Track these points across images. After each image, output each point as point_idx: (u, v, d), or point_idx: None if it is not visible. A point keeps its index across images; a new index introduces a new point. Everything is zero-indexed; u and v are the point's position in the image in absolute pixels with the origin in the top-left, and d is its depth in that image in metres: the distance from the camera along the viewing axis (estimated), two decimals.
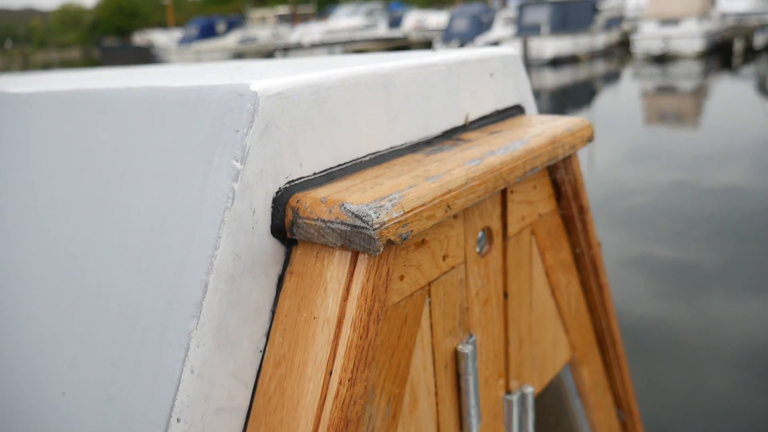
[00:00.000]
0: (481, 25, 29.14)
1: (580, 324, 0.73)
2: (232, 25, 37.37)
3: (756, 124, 12.88)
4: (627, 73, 22.57)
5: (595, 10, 28.18)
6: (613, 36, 29.21)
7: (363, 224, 0.37)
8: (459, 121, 0.56)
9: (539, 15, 25.50)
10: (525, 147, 0.51)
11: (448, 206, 0.42)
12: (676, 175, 9.11)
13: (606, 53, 27.81)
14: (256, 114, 0.40)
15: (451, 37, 28.95)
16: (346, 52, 32.79)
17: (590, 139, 0.62)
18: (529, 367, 0.61)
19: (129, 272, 0.46)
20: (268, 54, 35.47)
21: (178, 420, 0.41)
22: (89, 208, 0.51)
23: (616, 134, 12.88)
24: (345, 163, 0.45)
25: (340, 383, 0.38)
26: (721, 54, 24.06)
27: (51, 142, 0.63)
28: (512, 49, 0.64)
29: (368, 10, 36.28)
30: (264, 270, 0.42)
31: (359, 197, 0.39)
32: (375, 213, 0.38)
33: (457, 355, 0.51)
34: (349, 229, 0.38)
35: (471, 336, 0.51)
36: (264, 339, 0.44)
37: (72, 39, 74.51)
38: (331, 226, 0.39)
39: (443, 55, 0.56)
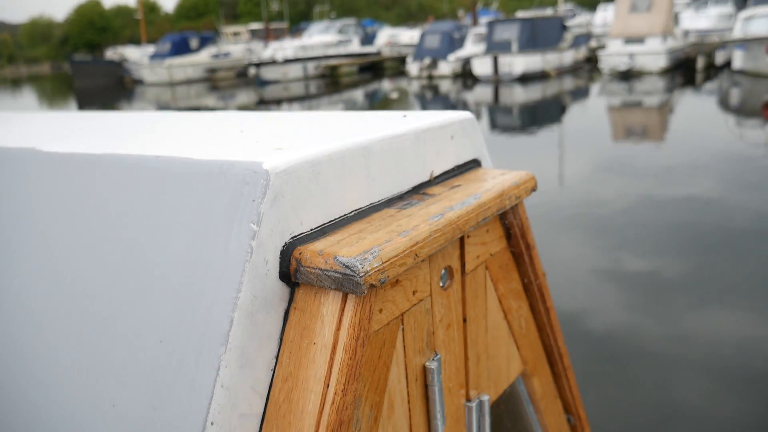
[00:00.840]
0: (452, 42, 29.51)
1: (530, 342, 0.85)
2: (205, 41, 37.11)
3: (718, 137, 13.30)
4: (595, 89, 23.09)
5: (563, 28, 28.78)
6: (581, 53, 29.83)
7: (352, 273, 0.49)
8: (425, 177, 0.68)
9: (509, 32, 25.95)
10: (478, 201, 0.63)
11: (416, 255, 0.54)
12: (643, 188, 9.37)
13: (574, 69, 28.39)
14: (268, 187, 0.52)
15: (423, 53, 29.26)
16: (320, 67, 32.92)
17: (534, 189, 0.75)
18: (485, 379, 0.74)
19: (168, 311, 0.57)
20: (242, 69, 35.39)
21: (212, 423, 0.52)
22: (127, 261, 0.62)
23: (585, 148, 13.19)
24: (334, 219, 0.57)
25: (335, 393, 0.49)
26: (684, 70, 24.75)
27: (81, 201, 0.74)
28: (469, 113, 0.77)
29: (341, 26, 36.45)
30: (274, 307, 0.53)
31: (348, 251, 0.51)
32: (360, 264, 0.50)
33: (425, 370, 0.62)
34: (341, 276, 0.50)
35: (436, 354, 0.62)
36: (274, 360, 0.55)
37: (42, 53, 73.44)
38: (327, 273, 0.51)
39: (412, 124, 0.68)
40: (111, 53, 45.77)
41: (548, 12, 41.22)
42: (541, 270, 0.82)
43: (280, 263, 0.52)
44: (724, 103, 17.96)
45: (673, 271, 6.32)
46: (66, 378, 0.68)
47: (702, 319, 5.29)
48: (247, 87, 31.15)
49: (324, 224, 0.56)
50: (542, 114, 18.48)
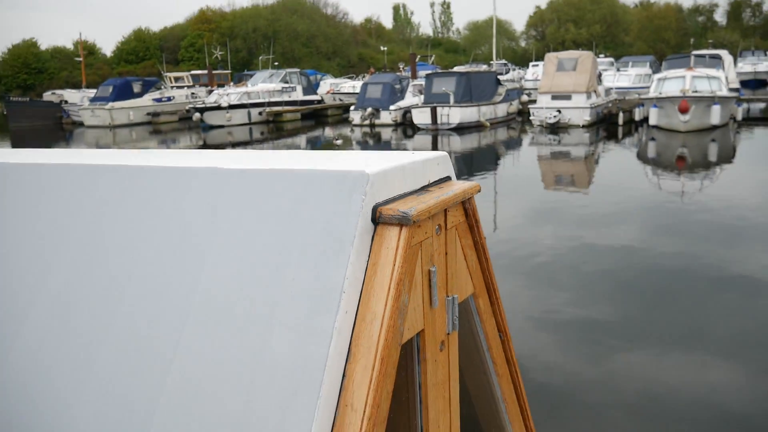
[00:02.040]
0: (393, 93, 30.68)
1: (477, 274, 1.51)
2: (148, 86, 37.01)
3: (639, 187, 14.52)
4: (526, 140, 24.57)
5: (497, 82, 30.48)
6: (514, 106, 31.47)
7: (405, 215, 1.13)
8: (426, 183, 1.33)
9: (446, 85, 27.24)
10: (454, 192, 1.29)
11: (429, 212, 1.18)
12: (571, 234, 10.05)
13: (507, 121, 29.93)
14: (368, 181, 1.15)
15: (365, 103, 30.28)
16: (263, 113, 33.58)
17: (479, 191, 1.42)
18: (455, 289, 1.39)
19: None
20: (185, 113, 35.63)
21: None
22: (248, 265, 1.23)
23: (517, 196, 14.15)
24: (393, 197, 1.20)
25: (399, 274, 1.11)
26: (607, 125, 26.57)
27: (176, 215, 1.31)
28: (445, 153, 1.44)
29: (286, 74, 37.20)
30: (368, 233, 1.16)
31: (402, 207, 1.15)
32: (409, 212, 1.13)
33: (429, 272, 1.26)
34: (401, 216, 1.13)
35: (434, 266, 1.26)
36: (367, 256, 1.16)
37: None
38: (394, 217, 1.14)
39: (419, 156, 1.34)
40: (49, 95, 45.03)
41: (483, 67, 43.31)
42: (483, 236, 1.49)
43: (372, 213, 1.15)
44: (643, 156, 19.52)
45: (599, 313, 6.88)
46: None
47: (624, 358, 5.83)
48: (189, 131, 31.32)
49: (389, 198, 1.19)
50: (478, 162, 19.56)
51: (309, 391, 1.05)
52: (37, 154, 1.68)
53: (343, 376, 1.08)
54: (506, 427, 1.79)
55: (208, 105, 32.53)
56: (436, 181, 1.38)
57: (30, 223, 1.47)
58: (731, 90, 25.05)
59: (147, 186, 1.37)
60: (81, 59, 49.61)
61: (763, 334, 6.20)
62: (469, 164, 18.86)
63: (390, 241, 1.15)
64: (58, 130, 35.96)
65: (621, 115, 26.25)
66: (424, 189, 1.32)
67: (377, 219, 1.16)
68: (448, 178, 1.43)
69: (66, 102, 41.44)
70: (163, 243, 1.28)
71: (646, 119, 24.69)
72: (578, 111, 25.58)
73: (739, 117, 25.33)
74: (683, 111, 22.56)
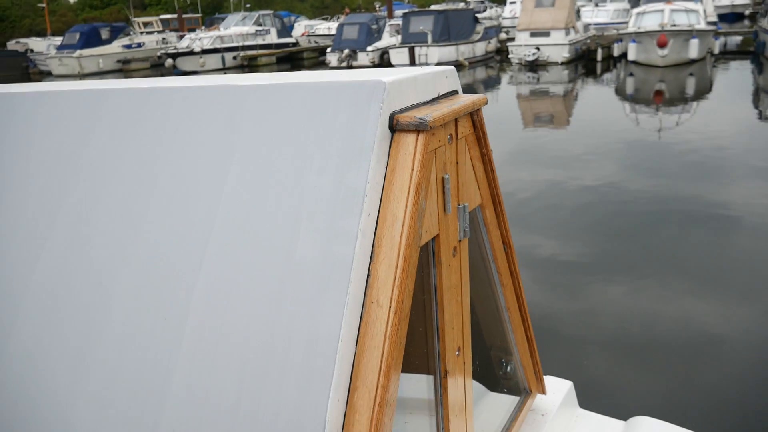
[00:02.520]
0: (370, 33, 30.15)
1: (484, 185, 1.58)
2: (116, 32, 35.86)
3: (617, 123, 14.64)
4: (505, 78, 24.46)
5: (475, 20, 30.05)
6: (492, 44, 31.16)
7: (422, 120, 1.17)
8: (436, 95, 1.37)
9: (424, 24, 26.84)
10: (463, 103, 1.34)
11: (443, 119, 1.23)
12: (550, 173, 10.15)
13: (485, 60, 29.69)
14: (385, 89, 1.18)
15: (341, 44, 29.78)
16: (237, 58, 32.88)
17: (486, 103, 1.46)
18: (465, 198, 1.45)
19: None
20: (157, 59, 34.76)
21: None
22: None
23: (496, 137, 14.21)
24: (408, 105, 1.24)
25: (419, 172, 1.15)
26: (585, 61, 26.50)
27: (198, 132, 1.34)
28: (453, 67, 1.48)
29: (259, 17, 36.28)
30: (386, 139, 1.20)
31: (418, 114, 1.19)
32: (425, 118, 1.17)
33: (443, 180, 1.31)
34: (418, 122, 1.17)
35: (447, 174, 1.32)
36: (387, 156, 1.20)
37: None
38: (411, 123, 1.18)
39: (429, 69, 1.38)
40: (13, 44, 43.48)
41: (461, 5, 42.63)
42: (490, 148, 1.54)
43: (389, 121, 1.19)
44: (621, 92, 19.59)
45: (576, 250, 7.05)
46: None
47: (599, 292, 6.07)
48: (162, 78, 30.65)
49: (404, 107, 1.23)
50: None
51: (337, 289, 1.11)
52: (45, 85, 1.68)
53: (368, 275, 1.14)
54: (509, 335, 1.89)
55: (180, 50, 31.77)
56: (444, 94, 1.42)
57: (45, 149, 1.48)
58: (709, 23, 25.00)
59: (162, 106, 1.38)
60: (44, 5, 47.78)
61: (737, 266, 6.42)
62: None
63: (407, 146, 1.20)
64: (25, 80, 34.91)
65: (599, 51, 26.17)
66: (434, 101, 1.36)
67: (394, 126, 1.20)
68: (455, 92, 1.46)
69: (32, 51, 40.12)
70: (182, 162, 1.31)
71: (624, 55, 24.67)
72: (557, 48, 25.43)
73: (716, 51, 25.39)
74: (661, 45, 22.54)
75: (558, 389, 2.22)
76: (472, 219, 1.56)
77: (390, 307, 1.12)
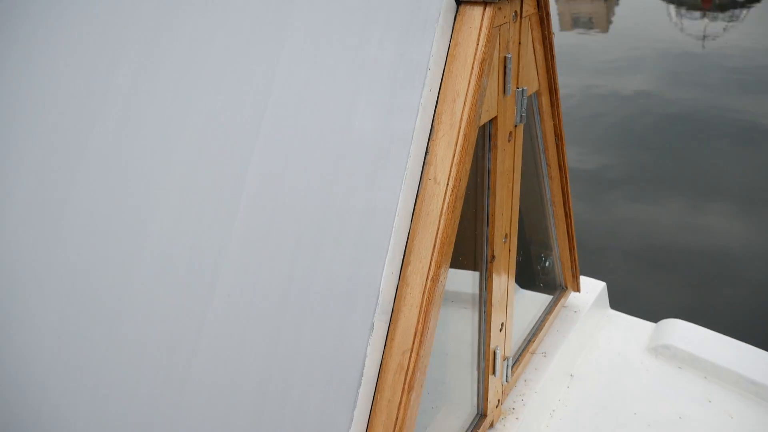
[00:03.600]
0: None
1: (543, 70, 1.51)
2: None
3: (659, 29, 13.99)
4: None
5: None
6: None
7: None
8: None
9: None
10: None
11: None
12: (587, 83, 9.79)
13: None
14: None
15: None
16: None
17: None
18: (523, 82, 1.39)
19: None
20: None
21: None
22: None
23: None
24: None
25: (482, 54, 1.10)
26: None
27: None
28: None
29: None
30: (451, 11, 1.14)
31: None
32: None
33: (505, 59, 1.26)
34: None
35: (509, 54, 1.26)
36: (452, 31, 1.14)
37: None
38: None
39: None
40: None
41: None
42: (552, 32, 1.46)
43: None
44: None
45: (610, 164, 6.83)
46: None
47: (630, 207, 5.97)
48: None
49: None
50: None
51: (395, 164, 1.09)
52: None
53: (426, 151, 1.12)
54: (551, 230, 1.87)
55: None
56: None
57: (92, 19, 1.43)
58: None
59: None
60: None
61: None
62: None
63: (474, 20, 1.13)
64: None
65: None
66: None
67: None
68: None
69: None
70: (238, 32, 1.26)
71: None
72: None
73: None
74: None
75: (591, 289, 2.24)
76: (528, 105, 1.50)
77: (447, 184, 1.10)
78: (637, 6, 17.33)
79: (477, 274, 1.45)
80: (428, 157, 1.12)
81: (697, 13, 15.73)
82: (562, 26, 15.27)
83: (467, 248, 1.44)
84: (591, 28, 15.05)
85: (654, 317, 2.31)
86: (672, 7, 16.74)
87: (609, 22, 15.68)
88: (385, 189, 1.09)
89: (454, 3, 1.14)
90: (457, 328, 1.55)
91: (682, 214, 5.72)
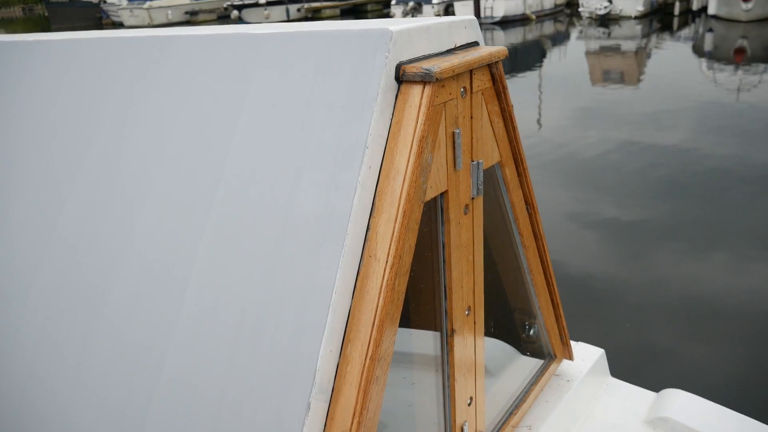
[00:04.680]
0: None
1: (504, 143, 1.52)
2: None
3: (692, 82, 13.87)
4: (574, 34, 23.48)
5: None
6: None
7: (428, 71, 1.12)
8: (452, 45, 1.31)
9: None
10: (479, 55, 1.27)
11: (453, 70, 1.18)
12: (619, 134, 9.66)
13: (554, 14, 28.57)
14: (392, 38, 1.14)
15: None
16: (301, 10, 32.74)
17: (506, 56, 1.39)
18: (480, 155, 1.40)
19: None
20: (223, 11, 35.04)
21: None
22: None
23: (563, 94, 13.69)
24: (416, 57, 1.20)
25: (423, 124, 1.12)
26: (661, 15, 25.10)
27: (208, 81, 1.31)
28: (472, 16, 1.40)
29: None
30: (392, 90, 1.15)
31: (426, 66, 1.14)
32: (432, 68, 1.12)
33: (453, 134, 1.26)
34: (424, 73, 1.13)
35: (458, 128, 1.27)
36: (392, 108, 1.17)
37: None
38: (417, 74, 1.13)
39: (446, 19, 1.32)
40: None
41: None
42: (511, 104, 1.48)
43: (395, 72, 1.15)
44: (699, 49, 18.49)
45: (645, 214, 6.65)
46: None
47: (666, 258, 5.75)
48: (179, 27, 30.86)
49: (413, 58, 1.19)
50: (522, 58, 18.89)
51: (334, 242, 1.10)
52: (66, 34, 1.71)
53: (367, 228, 1.12)
54: (532, 298, 1.84)
55: (246, 2, 31.87)
56: (463, 45, 1.35)
57: (65, 95, 1.51)
58: None
59: (179, 53, 1.38)
60: None
61: None
62: (513, 60, 18.25)
63: (413, 98, 1.16)
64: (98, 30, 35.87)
65: (677, 4, 24.71)
66: (450, 52, 1.30)
67: (401, 77, 1.16)
68: (476, 43, 1.40)
69: (105, 2, 41.13)
70: (196, 110, 1.31)
71: (704, 9, 23.25)
72: (631, 1, 24.17)
73: None
74: None
75: (588, 356, 2.17)
76: (490, 177, 1.50)
77: (387, 261, 1.10)
78: (668, 60, 17.29)
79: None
80: (369, 234, 1.13)
81: (730, 67, 15.60)
82: (592, 81, 15.30)
83: (431, 318, 1.43)
84: (622, 82, 15.04)
85: (696, 386, 2.22)
86: (704, 61, 16.66)
87: (640, 76, 15.66)
88: (324, 267, 1.10)
89: (395, 82, 1.16)
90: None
91: (728, 271, 5.51)
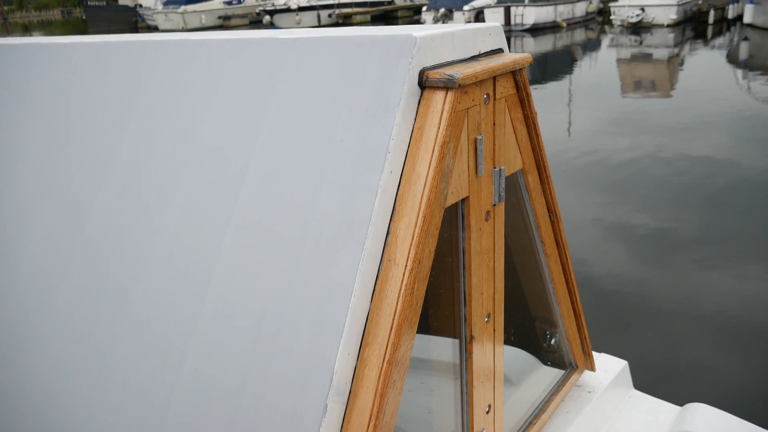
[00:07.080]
0: None
1: (527, 151, 1.51)
2: None
3: (727, 92, 13.61)
4: (605, 42, 23.23)
5: None
6: (593, 5, 29.66)
7: (451, 77, 1.13)
8: (476, 52, 1.32)
9: None
10: (503, 61, 1.28)
11: (476, 77, 1.18)
12: (652, 145, 9.49)
13: (585, 21, 28.30)
14: (416, 44, 1.15)
15: (438, 3, 29.23)
16: (332, 15, 32.96)
17: (530, 63, 1.39)
18: (502, 161, 1.40)
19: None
20: (256, 16, 35.45)
21: None
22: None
23: (594, 103, 13.53)
24: (441, 62, 1.21)
25: (445, 129, 1.13)
26: (695, 24, 24.69)
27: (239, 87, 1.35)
28: (497, 23, 1.41)
29: None
30: (415, 96, 1.17)
31: (449, 72, 1.15)
32: (455, 74, 1.13)
33: (476, 140, 1.27)
34: (447, 79, 1.14)
35: (480, 135, 1.27)
36: (415, 114, 1.18)
37: None
38: (440, 80, 1.15)
39: (470, 26, 1.32)
40: None
41: None
42: (534, 111, 1.47)
43: (419, 77, 1.17)
44: (734, 58, 18.16)
45: (678, 227, 6.49)
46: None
47: (704, 275, 5.59)
48: (209, 32, 31.21)
49: (437, 64, 1.20)
50: (552, 66, 18.74)
51: (353, 245, 1.11)
52: (102, 37, 1.75)
53: (387, 232, 1.13)
54: (554, 307, 1.83)
55: (277, 7, 32.21)
56: (487, 52, 1.36)
57: (95, 97, 1.55)
58: None
59: (207, 57, 1.41)
60: None
61: None
62: (543, 68, 18.11)
63: (435, 104, 1.16)
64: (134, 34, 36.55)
65: (712, 12, 24.28)
66: (474, 58, 1.31)
67: (424, 83, 1.17)
68: (500, 50, 1.40)
69: (141, 6, 41.92)
70: (221, 110, 1.34)
71: (740, 17, 22.81)
72: (663, 9, 23.83)
73: None
74: None
75: (610, 368, 2.14)
76: (512, 184, 1.50)
77: (406, 266, 1.11)
78: (702, 69, 16.99)
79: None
80: (389, 237, 1.13)
81: (766, 77, 15.29)
82: (623, 91, 15.11)
83: (450, 324, 1.43)
84: (653, 91, 14.83)
85: (725, 402, 2.18)
86: (739, 71, 16.36)
87: (672, 85, 15.42)
88: (343, 269, 1.11)
89: (418, 88, 1.17)
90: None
91: (759, 283, 5.39)
